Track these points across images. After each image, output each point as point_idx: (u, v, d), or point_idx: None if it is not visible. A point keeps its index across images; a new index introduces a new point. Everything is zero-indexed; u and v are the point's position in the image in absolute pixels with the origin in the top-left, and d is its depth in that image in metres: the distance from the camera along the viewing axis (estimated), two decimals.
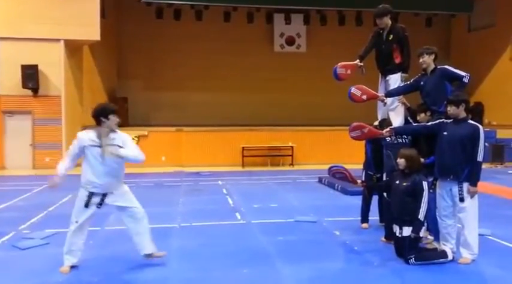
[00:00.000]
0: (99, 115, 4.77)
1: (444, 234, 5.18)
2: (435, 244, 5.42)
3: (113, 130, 4.84)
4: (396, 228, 5.11)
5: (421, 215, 4.91)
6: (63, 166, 4.78)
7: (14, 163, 14.39)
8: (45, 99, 14.36)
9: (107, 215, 7.36)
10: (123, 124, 16.89)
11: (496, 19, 18.00)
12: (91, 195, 4.78)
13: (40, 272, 4.86)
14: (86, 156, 4.75)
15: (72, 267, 4.88)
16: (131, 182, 11.31)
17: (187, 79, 18.80)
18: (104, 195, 4.83)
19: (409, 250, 4.98)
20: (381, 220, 6.52)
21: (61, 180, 4.77)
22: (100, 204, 4.85)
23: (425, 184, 4.99)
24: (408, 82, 5.91)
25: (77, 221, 4.82)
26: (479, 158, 4.90)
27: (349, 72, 6.21)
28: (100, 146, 4.71)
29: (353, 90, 5.93)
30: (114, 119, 4.81)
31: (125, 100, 17.95)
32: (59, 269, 4.81)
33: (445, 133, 5.04)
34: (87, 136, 4.76)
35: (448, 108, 5.02)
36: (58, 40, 14.22)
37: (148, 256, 5.05)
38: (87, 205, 4.79)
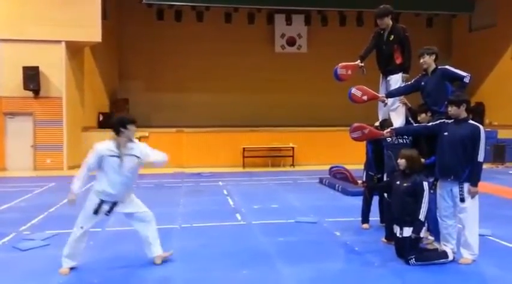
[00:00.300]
0: (118, 125, 4.77)
1: (445, 234, 5.17)
2: (436, 245, 5.41)
3: (130, 140, 4.84)
4: (397, 229, 5.10)
5: (422, 216, 4.91)
6: (79, 183, 4.77)
7: (15, 164, 14.41)
8: (46, 100, 14.38)
9: (107, 217, 7.38)
10: None
11: (497, 19, 17.98)
12: (102, 202, 4.80)
13: (40, 273, 4.87)
14: (102, 166, 4.76)
15: (72, 268, 4.88)
16: None
17: (188, 80, 18.81)
18: (114, 204, 4.87)
19: (409, 251, 4.97)
20: (382, 221, 6.51)
21: (77, 197, 4.80)
22: (109, 212, 4.90)
23: (425, 185, 4.99)
24: (409, 83, 5.91)
25: (82, 227, 4.83)
26: (480, 158, 4.89)
27: (349, 72, 6.21)
28: (118, 156, 4.73)
29: (353, 90, 5.93)
30: (132, 129, 4.81)
31: (126, 101, 17.98)
32: (58, 271, 4.80)
33: (445, 133, 5.04)
34: (105, 146, 4.77)
35: (449, 109, 5.02)
36: (59, 41, 14.24)
37: (158, 258, 5.07)
38: (96, 212, 4.81)
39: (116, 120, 4.85)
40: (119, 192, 4.81)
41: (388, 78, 6.33)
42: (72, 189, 4.77)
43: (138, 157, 4.81)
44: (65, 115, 14.48)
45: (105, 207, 4.84)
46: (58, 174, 13.53)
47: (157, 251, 5.08)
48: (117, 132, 4.77)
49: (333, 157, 13.83)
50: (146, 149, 4.94)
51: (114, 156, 4.72)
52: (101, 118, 16.41)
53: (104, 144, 4.80)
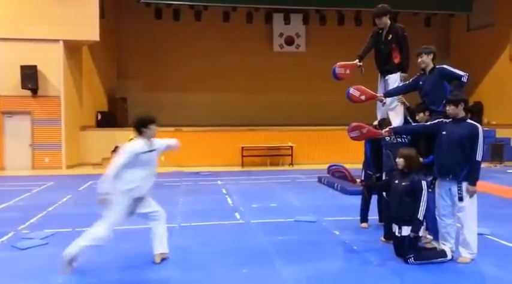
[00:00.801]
0: (140, 126, 4.90)
1: (443, 233, 5.18)
2: (434, 244, 5.42)
3: (151, 139, 5.00)
4: (395, 228, 5.10)
5: (420, 215, 4.91)
6: (109, 183, 4.74)
7: (14, 163, 14.40)
8: (44, 99, 14.38)
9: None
10: (123, 124, 16.98)
11: (495, 18, 18.01)
12: (131, 201, 4.87)
13: (39, 272, 4.86)
14: (132, 164, 4.81)
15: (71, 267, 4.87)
16: None
17: (186, 80, 18.81)
18: (140, 199, 4.96)
19: (408, 250, 4.98)
20: (380, 220, 6.52)
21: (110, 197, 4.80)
22: (134, 210, 5.01)
23: (424, 184, 4.99)
24: (407, 82, 5.91)
25: (111, 230, 4.83)
26: (478, 157, 4.90)
27: (348, 71, 6.21)
28: (149, 151, 4.90)
29: (351, 90, 5.92)
30: (154, 128, 4.96)
31: (124, 100, 17.99)
32: (59, 271, 4.76)
33: (444, 132, 5.04)
34: (138, 145, 4.88)
35: (447, 108, 5.02)
36: (57, 40, 14.24)
37: (158, 256, 5.10)
38: (126, 213, 4.89)
39: (137, 120, 4.98)
40: (146, 187, 4.95)
41: (387, 78, 6.33)
42: (102, 190, 4.73)
43: (158, 149, 5.09)
44: (63, 114, 14.48)
45: (134, 205, 4.93)
46: (56, 173, 13.53)
47: (158, 249, 5.10)
48: (139, 132, 4.91)
49: (332, 156, 13.91)
50: (160, 141, 5.20)
51: (145, 152, 4.88)
52: (99, 118, 16.41)
53: (135, 143, 4.90)
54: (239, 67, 18.93)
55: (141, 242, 5.47)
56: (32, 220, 7.26)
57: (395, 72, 6.23)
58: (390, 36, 6.21)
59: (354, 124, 5.64)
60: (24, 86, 13.93)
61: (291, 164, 15.81)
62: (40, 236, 6.23)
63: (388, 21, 6.24)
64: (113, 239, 6.08)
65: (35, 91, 14.15)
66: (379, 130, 5.70)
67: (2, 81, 14.17)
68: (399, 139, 5.75)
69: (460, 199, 4.96)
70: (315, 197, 9.49)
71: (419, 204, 4.92)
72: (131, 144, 4.92)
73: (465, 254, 5.03)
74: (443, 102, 5.14)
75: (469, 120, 5.04)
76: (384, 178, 6.01)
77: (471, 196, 4.95)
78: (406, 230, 4.95)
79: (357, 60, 6.23)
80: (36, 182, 11.45)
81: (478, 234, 5.17)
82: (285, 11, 18.73)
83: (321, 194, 9.92)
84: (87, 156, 15.36)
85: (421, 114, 5.67)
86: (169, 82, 18.83)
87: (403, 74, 6.21)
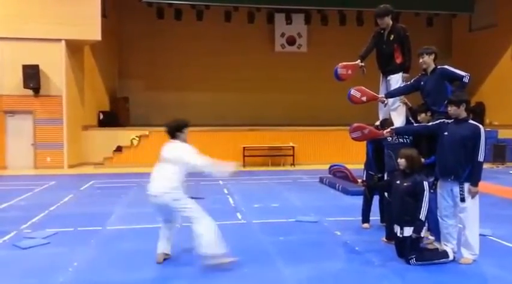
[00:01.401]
0: (175, 130, 5.07)
1: (445, 234, 5.17)
2: (436, 244, 5.41)
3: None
4: (397, 228, 5.10)
5: (422, 216, 4.91)
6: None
7: (16, 163, 14.42)
8: (46, 99, 14.40)
9: (108, 215, 7.39)
10: (125, 124, 17.00)
11: (497, 19, 17.97)
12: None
13: (41, 271, 4.87)
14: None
15: (73, 266, 4.88)
16: (133, 182, 11.38)
17: (188, 79, 18.81)
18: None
19: (410, 250, 4.97)
20: (382, 220, 6.52)
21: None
22: None
23: (426, 184, 4.99)
24: (409, 83, 5.91)
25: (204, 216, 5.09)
26: (480, 158, 4.89)
27: (349, 72, 6.21)
28: None
29: (352, 91, 5.92)
30: (187, 132, 5.15)
31: (126, 100, 18.00)
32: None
33: (445, 133, 5.04)
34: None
35: (449, 108, 5.02)
36: (59, 40, 14.25)
37: (164, 255, 5.15)
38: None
39: (172, 125, 5.10)
40: None
41: (389, 78, 6.33)
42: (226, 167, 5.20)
43: None
44: (65, 114, 14.49)
45: None
46: (58, 173, 13.55)
47: (162, 249, 5.14)
48: (174, 136, 5.08)
49: (333, 156, 13.90)
50: None
51: None
52: (101, 117, 16.43)
53: (186, 144, 5.11)
54: (241, 67, 18.92)
55: (141, 241, 5.47)
56: (33, 220, 7.26)
57: (397, 72, 6.22)
58: (392, 36, 6.20)
59: (355, 124, 5.64)
60: (26, 86, 13.94)
61: (293, 164, 15.80)
62: (42, 235, 6.23)
63: (390, 22, 6.24)
64: (113, 238, 6.13)
65: (37, 90, 14.16)
66: (381, 131, 5.70)
67: (4, 81, 14.19)
68: (401, 140, 5.74)
69: (462, 199, 4.95)
70: (317, 197, 9.48)
71: (421, 205, 4.92)
72: (186, 145, 5.09)
73: (467, 255, 5.03)
74: (445, 102, 5.13)
75: (471, 121, 5.03)
76: (385, 178, 6.01)
77: (473, 197, 4.94)
78: (408, 231, 4.95)
79: (359, 61, 6.24)
80: (38, 181, 11.47)
81: (480, 235, 5.17)
82: (287, 11, 18.70)
83: (322, 194, 9.91)
84: (89, 155, 15.37)
85: (423, 115, 5.66)
86: (171, 81, 18.83)
87: (405, 74, 6.21)
